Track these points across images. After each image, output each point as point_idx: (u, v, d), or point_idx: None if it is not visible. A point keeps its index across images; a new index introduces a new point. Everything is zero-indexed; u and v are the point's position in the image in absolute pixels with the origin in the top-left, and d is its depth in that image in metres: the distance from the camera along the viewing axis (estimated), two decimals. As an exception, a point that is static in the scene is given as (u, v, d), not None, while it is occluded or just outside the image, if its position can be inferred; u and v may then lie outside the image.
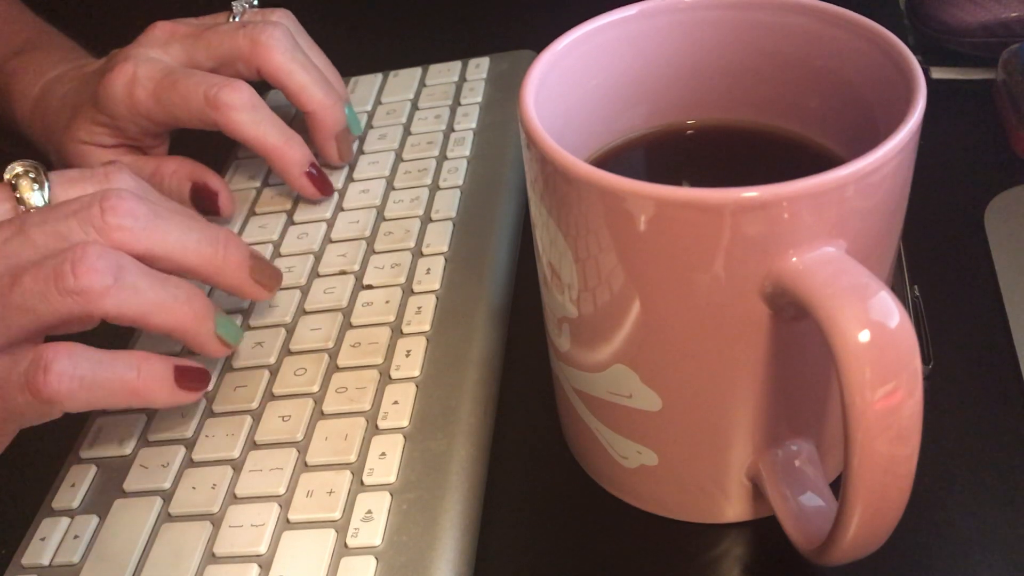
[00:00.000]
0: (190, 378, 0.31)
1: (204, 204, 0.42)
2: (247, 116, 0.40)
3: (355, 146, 0.47)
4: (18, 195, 0.31)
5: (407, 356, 0.35)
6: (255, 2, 0.45)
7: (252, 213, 0.44)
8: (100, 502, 0.32)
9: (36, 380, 0.28)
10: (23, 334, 0.29)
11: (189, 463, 0.33)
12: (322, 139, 0.43)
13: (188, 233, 0.32)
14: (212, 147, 0.46)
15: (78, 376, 0.28)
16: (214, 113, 0.40)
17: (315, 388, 0.34)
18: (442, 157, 0.45)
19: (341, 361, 0.35)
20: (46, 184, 0.31)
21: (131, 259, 0.30)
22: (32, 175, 0.31)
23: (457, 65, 0.52)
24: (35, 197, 0.31)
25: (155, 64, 0.41)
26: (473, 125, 0.47)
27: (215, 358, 0.34)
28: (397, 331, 0.36)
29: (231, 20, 0.44)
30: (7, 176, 0.32)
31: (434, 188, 0.43)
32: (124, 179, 0.32)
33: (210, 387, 0.33)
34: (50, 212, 0.30)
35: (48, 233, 0.29)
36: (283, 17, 0.44)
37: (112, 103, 0.41)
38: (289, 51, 0.42)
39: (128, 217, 0.30)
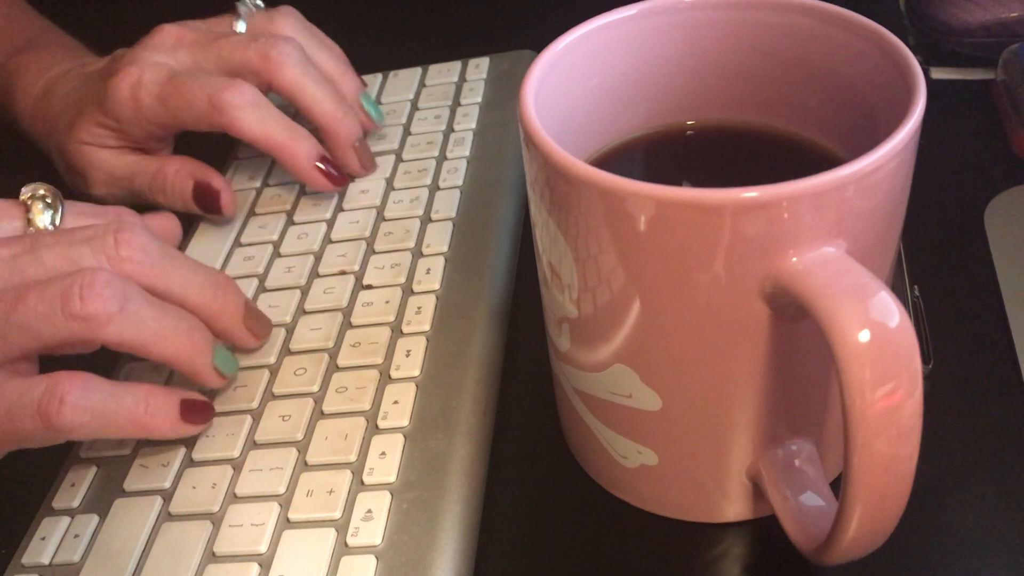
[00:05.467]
0: (195, 412, 0.32)
1: (206, 203, 0.42)
2: (251, 115, 0.40)
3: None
4: (29, 215, 0.32)
5: (407, 356, 0.35)
6: (259, 2, 0.45)
7: (252, 213, 0.44)
8: (100, 501, 0.32)
9: (50, 410, 0.28)
10: (22, 353, 0.29)
11: (189, 462, 0.33)
12: (340, 151, 0.43)
13: (193, 275, 0.32)
14: (212, 146, 0.46)
15: (90, 408, 0.29)
16: (218, 115, 0.40)
17: (315, 388, 0.34)
18: (442, 157, 0.45)
19: (341, 361, 0.35)
20: (60, 211, 0.33)
21: (137, 288, 0.30)
22: (48, 199, 0.32)
23: (457, 65, 0.52)
24: (43, 219, 0.32)
25: (161, 68, 0.41)
26: (473, 125, 0.47)
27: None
28: (397, 331, 0.36)
29: (236, 23, 0.44)
30: (23, 195, 0.33)
31: (434, 188, 0.43)
32: (135, 220, 0.33)
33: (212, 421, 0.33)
34: (63, 235, 0.31)
35: (59, 256, 0.30)
36: (290, 21, 0.44)
37: (118, 107, 0.41)
38: (301, 65, 0.41)
39: (140, 251, 0.31)
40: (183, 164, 0.43)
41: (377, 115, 0.46)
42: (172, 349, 0.31)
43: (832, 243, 0.22)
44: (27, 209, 0.32)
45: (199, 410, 0.32)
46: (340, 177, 0.43)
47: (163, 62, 0.41)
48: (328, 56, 0.45)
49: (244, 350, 0.36)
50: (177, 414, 0.31)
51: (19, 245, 0.30)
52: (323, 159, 0.42)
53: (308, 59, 0.42)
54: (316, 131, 0.43)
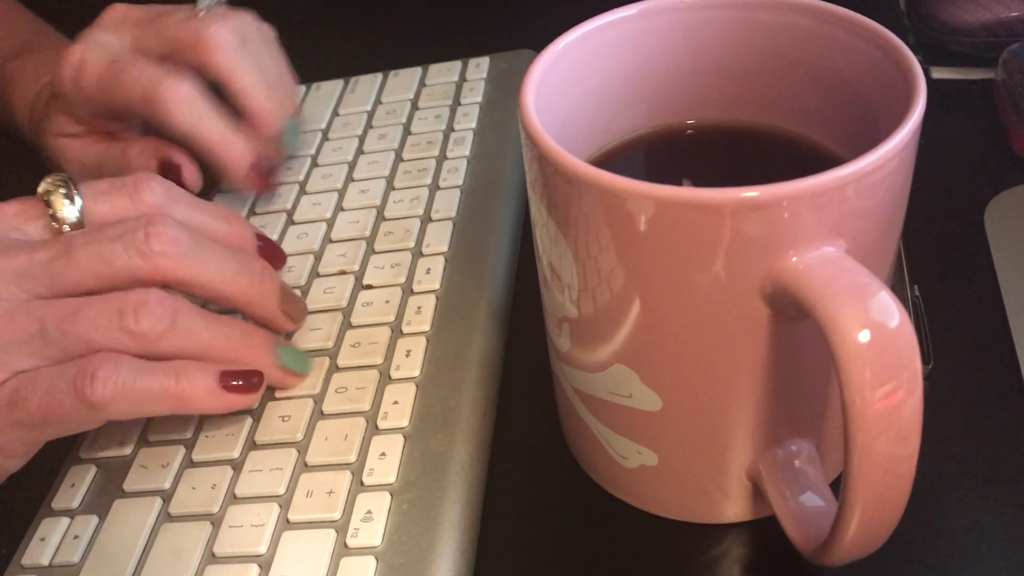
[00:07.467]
0: (237, 381, 0.31)
1: (170, 180, 0.42)
2: (184, 110, 0.39)
3: (348, 155, 0.47)
4: (51, 211, 0.32)
5: (407, 356, 0.35)
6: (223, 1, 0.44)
7: (252, 213, 0.44)
8: (100, 502, 0.32)
9: (83, 386, 0.29)
10: (73, 357, 0.30)
11: (189, 463, 0.33)
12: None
13: (227, 263, 0.32)
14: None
15: (120, 382, 0.29)
16: (151, 107, 0.39)
17: (315, 388, 0.34)
18: (442, 157, 0.45)
19: (341, 361, 0.35)
20: (77, 198, 0.32)
21: (187, 303, 0.31)
22: (63, 190, 0.32)
23: (457, 65, 0.52)
24: (68, 211, 0.32)
25: (103, 48, 0.40)
26: (473, 125, 0.47)
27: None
28: (397, 331, 0.36)
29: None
30: (39, 191, 0.32)
31: (434, 188, 0.43)
32: (154, 188, 0.33)
33: (262, 391, 0.33)
34: (94, 235, 0.31)
35: (93, 255, 0.30)
36: (241, 18, 0.42)
37: (61, 86, 0.40)
38: (232, 50, 0.40)
39: (171, 244, 0.31)
40: (145, 146, 0.42)
41: (291, 141, 0.44)
42: (230, 356, 0.31)
43: (832, 243, 0.22)
44: (47, 204, 0.32)
45: (242, 379, 0.31)
46: (270, 183, 0.43)
47: (106, 41, 0.41)
48: (273, 57, 0.43)
49: (280, 333, 0.36)
50: (214, 383, 0.31)
51: (54, 248, 0.30)
52: (254, 163, 0.41)
53: (244, 46, 0.41)
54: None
